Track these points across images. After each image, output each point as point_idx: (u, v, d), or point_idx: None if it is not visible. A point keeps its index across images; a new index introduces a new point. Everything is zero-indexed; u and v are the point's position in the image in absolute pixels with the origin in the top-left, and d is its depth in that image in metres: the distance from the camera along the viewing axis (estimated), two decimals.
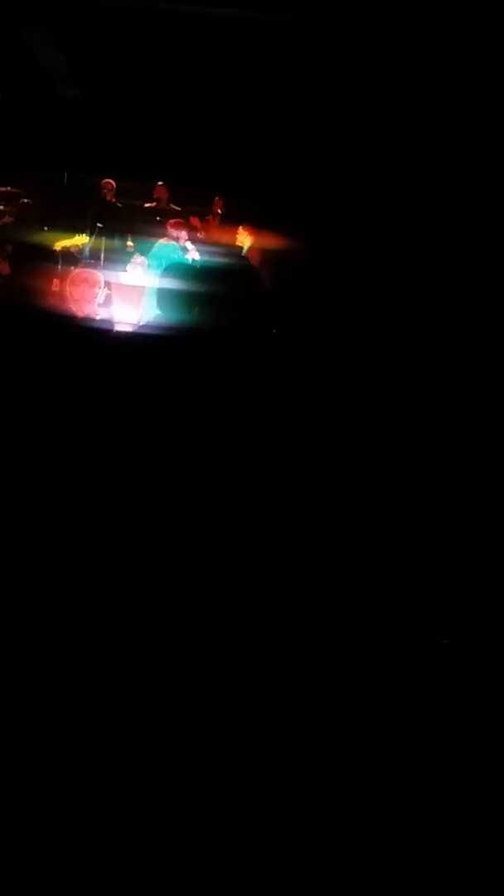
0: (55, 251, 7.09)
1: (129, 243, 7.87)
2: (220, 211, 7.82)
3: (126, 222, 8.09)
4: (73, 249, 7.36)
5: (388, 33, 5.67)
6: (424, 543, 2.93)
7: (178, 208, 8.09)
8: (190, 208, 7.95)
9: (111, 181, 8.18)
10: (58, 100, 8.89)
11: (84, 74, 8.40)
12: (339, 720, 2.47)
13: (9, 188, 7.89)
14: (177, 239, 6.99)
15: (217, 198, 7.90)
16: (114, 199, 8.17)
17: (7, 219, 7.57)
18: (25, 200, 7.73)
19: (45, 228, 7.51)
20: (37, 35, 7.43)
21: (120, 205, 8.18)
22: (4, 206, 7.68)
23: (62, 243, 7.23)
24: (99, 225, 7.92)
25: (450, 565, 2.92)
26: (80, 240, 7.58)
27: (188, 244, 6.95)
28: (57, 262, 6.92)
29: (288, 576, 2.78)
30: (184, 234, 7.02)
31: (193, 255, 6.87)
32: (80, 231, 7.78)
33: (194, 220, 7.53)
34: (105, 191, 8.14)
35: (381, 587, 2.80)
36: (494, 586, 2.86)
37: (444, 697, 2.59)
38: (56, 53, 7.84)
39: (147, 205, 8.20)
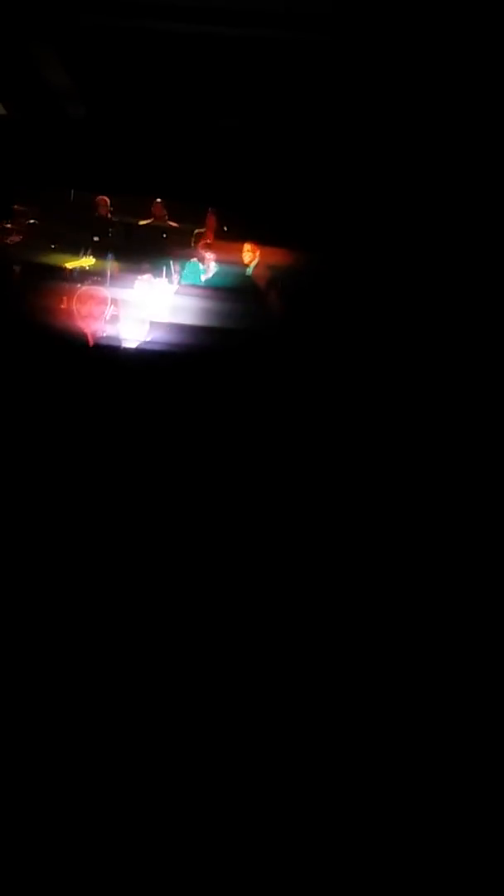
0: (63, 270, 7.15)
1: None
2: (224, 228, 7.83)
3: (124, 238, 8.10)
4: (79, 269, 7.39)
5: (390, 51, 5.71)
6: (429, 550, 2.94)
7: (176, 224, 8.09)
8: (190, 225, 7.95)
9: (105, 197, 8.19)
10: (64, 118, 8.96)
11: (90, 93, 8.46)
12: (340, 720, 2.48)
13: (16, 206, 7.92)
14: (202, 259, 7.08)
15: (210, 213, 7.87)
16: (109, 216, 8.18)
17: (15, 237, 7.61)
18: (32, 221, 7.77)
19: (53, 247, 7.55)
20: (43, 54, 7.49)
21: (116, 220, 8.18)
22: (12, 224, 7.72)
23: (71, 263, 7.26)
24: (95, 239, 7.93)
25: (452, 566, 2.92)
26: (87, 261, 7.60)
27: (213, 265, 7.02)
28: (64, 281, 6.98)
29: (297, 578, 2.80)
30: (210, 254, 7.09)
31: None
32: (82, 248, 7.80)
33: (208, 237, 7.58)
34: (99, 207, 8.16)
35: (384, 588, 2.81)
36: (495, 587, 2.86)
37: (445, 698, 2.59)
38: (62, 72, 7.91)
39: (142, 222, 8.20)
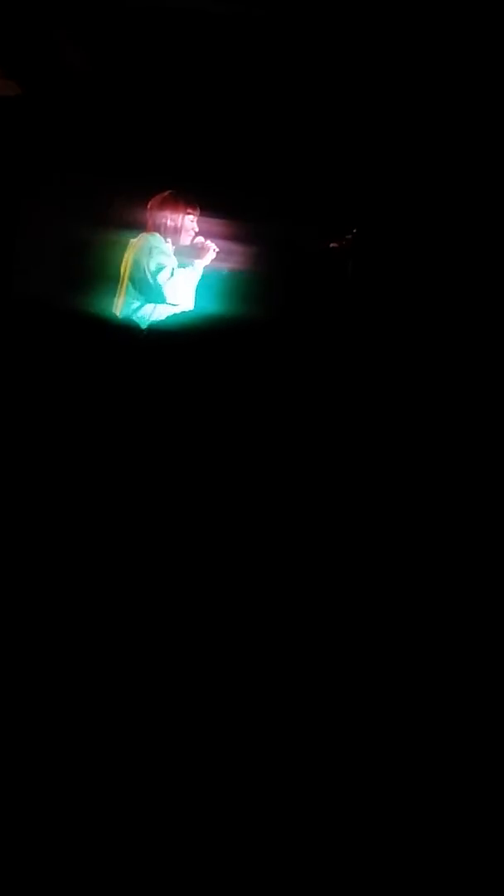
0: None
1: None
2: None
3: None
4: None
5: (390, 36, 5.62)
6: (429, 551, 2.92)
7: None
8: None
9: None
10: (79, 99, 8.93)
11: (106, 74, 8.42)
12: (340, 722, 2.49)
13: None
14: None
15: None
16: None
17: None
18: None
19: None
20: (59, 33, 7.47)
21: None
22: None
23: None
24: None
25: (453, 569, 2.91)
26: None
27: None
28: None
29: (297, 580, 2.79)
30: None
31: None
32: None
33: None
34: None
35: (385, 586, 2.81)
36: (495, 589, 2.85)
37: (445, 698, 2.60)
38: (78, 52, 7.88)
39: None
